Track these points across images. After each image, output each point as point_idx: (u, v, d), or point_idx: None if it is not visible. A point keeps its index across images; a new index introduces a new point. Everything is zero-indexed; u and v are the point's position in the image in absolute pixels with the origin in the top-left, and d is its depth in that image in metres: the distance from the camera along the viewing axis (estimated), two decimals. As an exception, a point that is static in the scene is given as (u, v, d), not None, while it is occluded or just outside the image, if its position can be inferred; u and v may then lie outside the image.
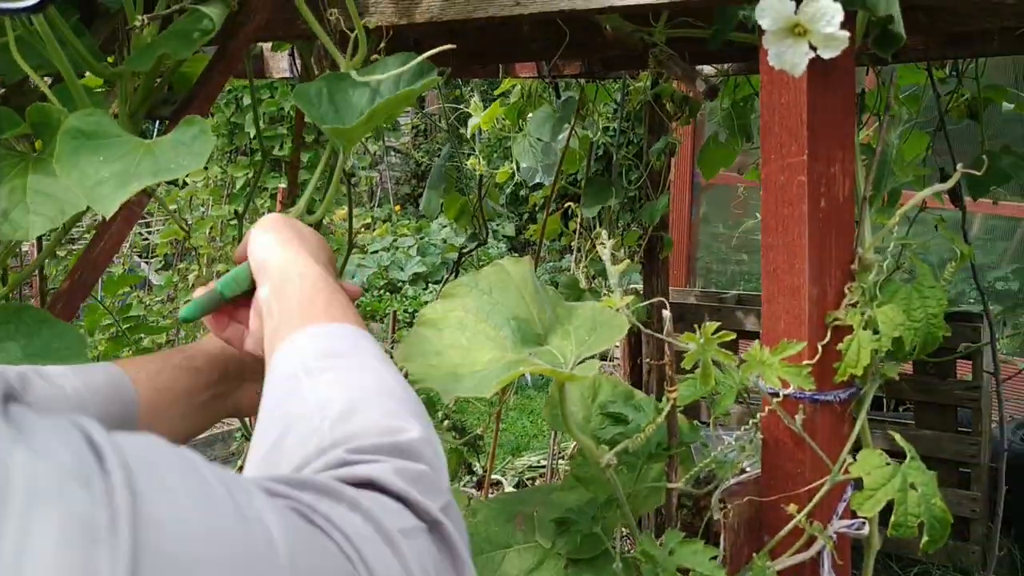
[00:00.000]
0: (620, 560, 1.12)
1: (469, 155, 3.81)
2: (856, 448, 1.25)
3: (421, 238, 9.62)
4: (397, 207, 10.77)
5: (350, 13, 1.32)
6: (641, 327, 1.20)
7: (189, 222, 5.55)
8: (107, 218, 1.16)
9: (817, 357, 1.21)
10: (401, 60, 1.26)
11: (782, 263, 1.24)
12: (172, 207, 5.62)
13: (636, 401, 1.27)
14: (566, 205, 3.89)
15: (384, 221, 10.06)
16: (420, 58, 1.24)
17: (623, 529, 1.25)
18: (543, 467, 4.91)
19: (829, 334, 1.22)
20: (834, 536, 1.21)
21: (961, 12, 1.64)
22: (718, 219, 5.92)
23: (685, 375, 1.26)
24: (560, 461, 4.33)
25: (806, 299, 1.22)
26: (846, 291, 1.24)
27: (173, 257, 6.48)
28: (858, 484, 1.21)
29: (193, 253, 5.88)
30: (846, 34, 1.07)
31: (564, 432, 1.48)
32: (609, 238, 1.28)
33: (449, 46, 1.22)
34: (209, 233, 5.60)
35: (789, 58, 1.11)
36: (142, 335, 3.01)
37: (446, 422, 3.40)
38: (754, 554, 1.21)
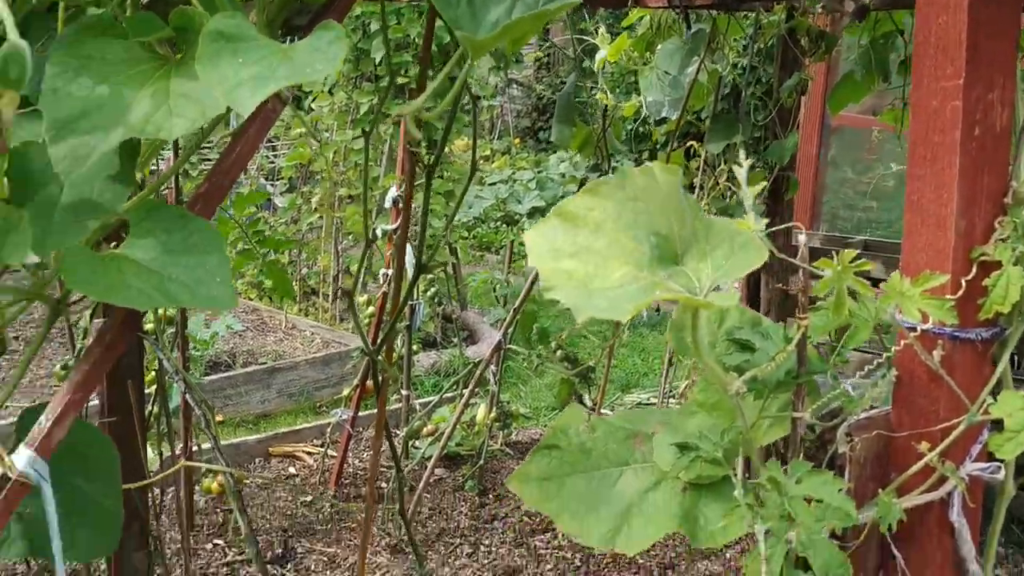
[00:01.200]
0: (742, 487, 1.10)
1: (592, 88, 3.75)
2: (996, 392, 1.20)
3: (540, 172, 9.59)
4: (517, 140, 10.75)
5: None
6: (775, 251, 1.16)
7: (315, 146, 5.64)
8: (244, 119, 1.18)
9: (960, 292, 1.15)
10: (548, -30, 1.23)
11: (928, 193, 1.18)
12: (299, 131, 5.73)
13: (763, 328, 1.24)
14: (688, 144, 3.81)
15: (503, 154, 10.06)
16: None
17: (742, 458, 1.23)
18: (652, 405, 4.90)
19: (975, 269, 1.17)
20: (966, 478, 1.16)
21: None
22: (847, 163, 5.73)
23: (815, 306, 1.22)
24: (671, 400, 4.31)
25: (952, 231, 1.16)
26: (996, 225, 1.18)
27: (297, 180, 6.62)
28: (996, 427, 1.16)
29: (317, 177, 5.99)
30: (1020, -56, 1.00)
31: (690, 357, 1.45)
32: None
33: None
34: (332, 157, 5.69)
35: (954, -30, 1.04)
36: (268, 250, 3.09)
37: (559, 352, 3.40)
38: (880, 490, 1.18)
